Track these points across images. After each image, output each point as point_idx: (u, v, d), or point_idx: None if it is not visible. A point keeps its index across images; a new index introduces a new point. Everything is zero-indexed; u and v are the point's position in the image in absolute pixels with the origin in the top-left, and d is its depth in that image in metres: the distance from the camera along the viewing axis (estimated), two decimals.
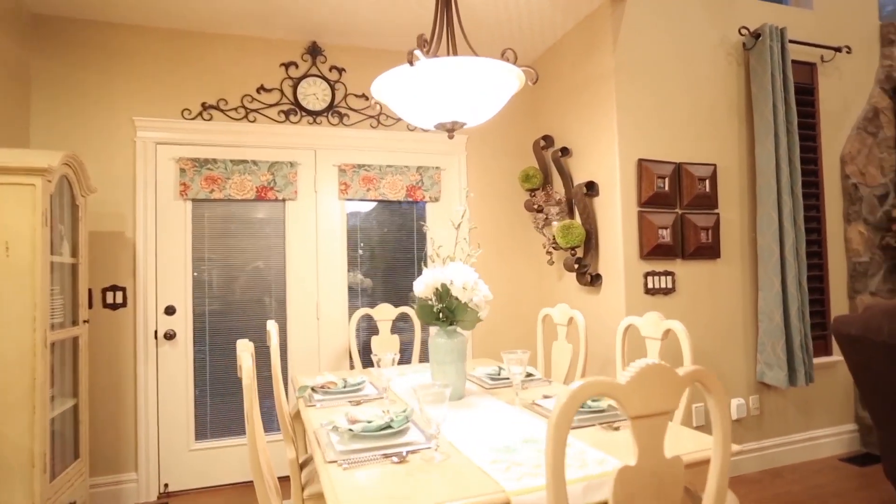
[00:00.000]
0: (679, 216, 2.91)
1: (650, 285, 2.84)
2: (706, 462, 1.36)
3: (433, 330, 3.33)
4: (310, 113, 3.23)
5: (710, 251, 2.96)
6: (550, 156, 3.42)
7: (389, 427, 1.52)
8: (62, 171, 2.30)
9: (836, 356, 3.27)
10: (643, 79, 2.89)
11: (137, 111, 2.95)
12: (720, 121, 3.08)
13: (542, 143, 3.46)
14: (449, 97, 1.83)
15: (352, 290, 3.33)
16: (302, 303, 3.20)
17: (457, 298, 1.95)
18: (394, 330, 3.16)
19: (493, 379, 2.27)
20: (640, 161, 2.85)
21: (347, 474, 1.28)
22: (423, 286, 2.01)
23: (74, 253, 2.52)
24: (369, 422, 1.54)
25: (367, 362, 3.20)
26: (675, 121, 2.96)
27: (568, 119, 3.30)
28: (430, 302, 2.01)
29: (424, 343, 3.42)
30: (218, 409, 3.04)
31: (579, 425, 1.61)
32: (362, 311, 3.13)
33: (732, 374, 3.02)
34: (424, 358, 3.39)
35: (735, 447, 1.39)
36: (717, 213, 3.00)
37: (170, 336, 2.94)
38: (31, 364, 2.05)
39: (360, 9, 2.92)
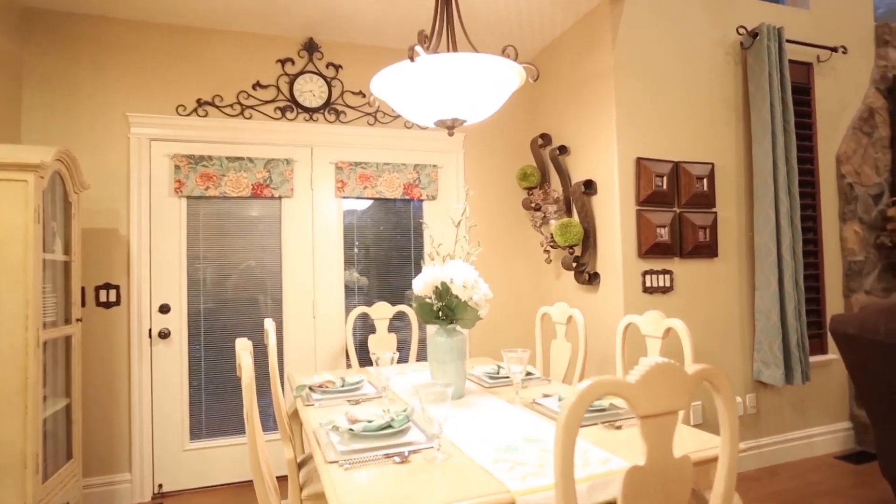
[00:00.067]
0: (677, 215, 2.91)
1: (648, 284, 2.84)
2: (709, 461, 1.36)
3: (432, 328, 3.33)
4: (306, 110, 3.20)
5: (708, 250, 2.96)
6: (548, 154, 3.41)
7: (390, 427, 1.51)
8: (55, 166, 2.26)
9: (832, 355, 3.29)
10: (642, 77, 2.89)
11: (131, 107, 2.91)
12: (718, 120, 3.08)
13: (540, 141, 3.45)
14: (449, 94, 1.81)
15: (348, 289, 3.31)
16: (298, 301, 3.17)
17: (457, 297, 1.93)
18: (390, 328, 3.14)
19: (491, 378, 2.26)
20: (639, 159, 2.85)
21: (349, 475, 1.27)
22: (422, 284, 1.99)
23: (67, 250, 2.48)
24: (370, 421, 1.52)
25: (364, 361, 3.18)
26: (673, 119, 2.96)
27: (566, 117, 3.29)
28: (429, 300, 2.00)
29: (422, 342, 3.40)
30: (213, 409, 3.01)
31: (581, 424, 1.59)
32: (359, 309, 3.11)
33: (729, 372, 3.03)
34: (422, 357, 3.38)
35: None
36: (715, 212, 3.00)
37: (164, 335, 2.91)
38: (23, 363, 2.02)
39: (358, 5, 2.89)
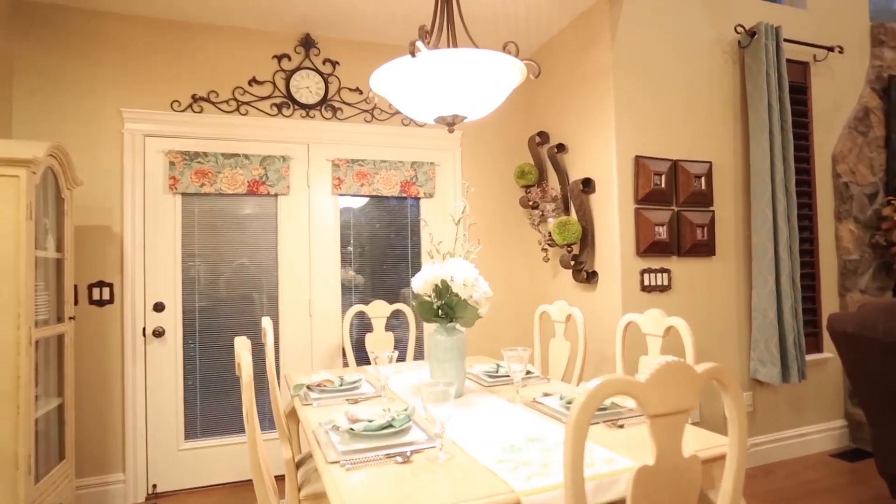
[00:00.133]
0: (675, 213, 2.91)
1: (646, 282, 2.84)
2: (713, 459, 1.35)
3: (432, 327, 3.31)
4: (303, 106, 3.17)
5: (706, 248, 2.96)
6: (546, 152, 3.40)
7: (391, 426, 1.49)
8: (47, 162, 2.22)
9: (827, 353, 3.30)
10: (641, 75, 2.89)
11: (125, 102, 2.86)
12: (716, 118, 3.08)
13: (538, 139, 3.44)
14: (450, 90, 1.80)
15: (344, 287, 3.28)
16: (294, 299, 3.15)
17: (457, 295, 1.92)
18: (387, 327, 3.13)
19: (490, 376, 2.25)
20: (637, 158, 2.84)
21: (351, 475, 1.25)
22: (422, 282, 1.97)
23: (60, 247, 2.44)
24: (370, 421, 1.50)
25: (361, 360, 3.16)
26: (671, 118, 2.95)
27: (564, 115, 3.28)
28: (428, 298, 1.98)
29: (419, 340, 3.39)
30: (208, 408, 2.98)
31: None
32: (356, 307, 3.09)
33: None
34: (419, 355, 3.36)
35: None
36: (713, 211, 3.00)
37: (158, 333, 2.87)
38: (14, 362, 1.98)
39: (356, 1, 2.86)
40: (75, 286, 2.72)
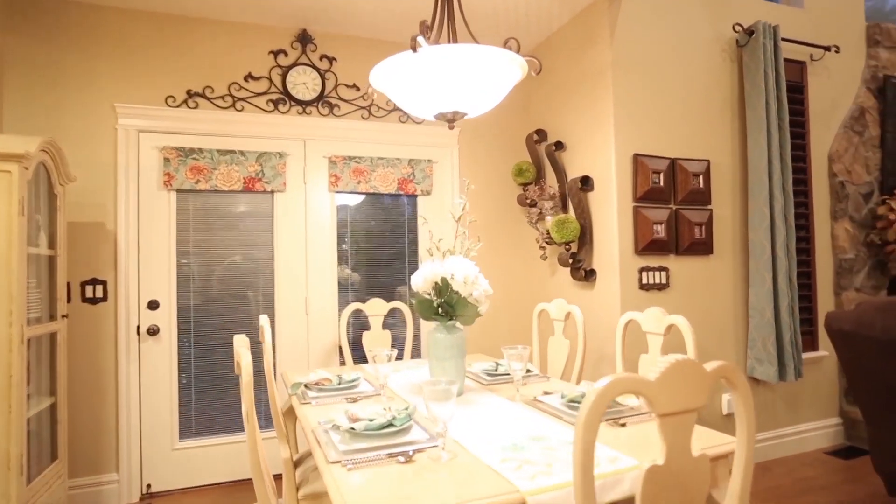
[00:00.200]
0: (673, 212, 2.91)
1: (644, 281, 2.83)
2: (717, 458, 1.35)
3: (430, 325, 3.30)
4: (299, 102, 3.14)
5: (704, 247, 2.96)
6: (544, 150, 3.39)
7: (392, 425, 1.47)
8: (40, 157, 2.18)
9: (823, 351, 3.32)
10: (640, 73, 2.88)
11: (119, 97, 2.82)
12: (713, 117, 3.08)
13: (536, 137, 3.43)
14: (451, 86, 1.78)
15: (340, 285, 3.26)
16: (290, 297, 3.12)
17: (457, 293, 1.90)
18: (384, 325, 3.11)
19: (489, 375, 2.24)
20: (636, 156, 2.84)
21: (353, 475, 1.23)
22: (421, 280, 1.96)
23: (52, 244, 2.40)
24: (371, 420, 1.49)
25: (358, 358, 3.14)
26: (670, 116, 2.95)
27: (562, 113, 3.27)
28: (428, 296, 1.96)
29: (416, 339, 3.37)
30: (203, 407, 2.95)
31: None
32: (353, 305, 3.07)
33: None
34: (416, 354, 3.35)
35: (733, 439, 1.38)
36: (710, 209, 3.00)
37: (153, 331, 2.83)
38: (6, 361, 1.95)
39: None
40: (68, 284, 2.68)
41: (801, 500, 2.62)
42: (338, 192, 3.24)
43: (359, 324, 3.25)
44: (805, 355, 3.21)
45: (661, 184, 2.86)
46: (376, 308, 3.07)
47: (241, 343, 1.36)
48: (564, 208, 3.21)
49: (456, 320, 1.95)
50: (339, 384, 2.05)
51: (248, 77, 3.06)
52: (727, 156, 3.11)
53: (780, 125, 3.03)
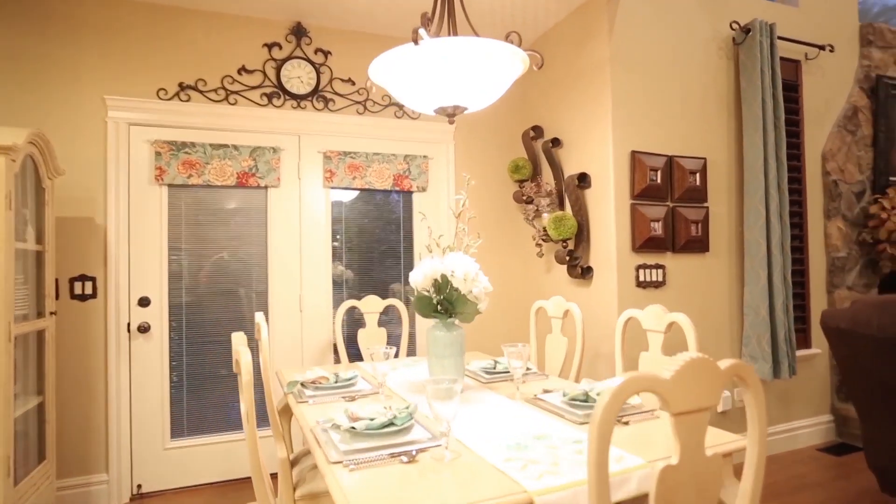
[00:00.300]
0: (670, 209, 2.91)
1: (641, 278, 2.83)
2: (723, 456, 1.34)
3: (427, 322, 3.27)
4: (294, 97, 3.09)
5: (700, 245, 2.96)
6: (540, 146, 3.37)
7: (392, 424, 1.45)
8: (27, 150, 2.12)
9: (816, 349, 3.34)
10: (637, 70, 2.87)
11: (109, 89, 2.76)
12: (710, 114, 3.08)
13: (532, 133, 3.42)
14: (452, 79, 1.75)
15: (335, 282, 3.22)
16: (284, 294, 3.08)
17: (457, 290, 1.88)
18: (379, 323, 3.07)
19: (488, 373, 2.22)
20: (634, 153, 2.83)
21: (355, 476, 1.20)
22: (421, 277, 1.93)
23: (40, 239, 2.34)
24: (371, 419, 1.46)
25: (353, 356, 3.11)
26: (667, 113, 2.95)
27: (559, 109, 3.26)
28: (427, 293, 1.94)
29: (411, 336, 3.34)
30: (195, 406, 2.90)
31: (587, 421, 1.56)
32: (349, 303, 3.03)
33: None
34: (412, 351, 3.32)
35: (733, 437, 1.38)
36: (707, 207, 3.01)
37: (144, 329, 2.78)
38: None
39: None
40: (56, 280, 2.61)
41: (796, 497, 2.63)
42: (333, 187, 3.20)
43: (353, 321, 3.22)
44: (798, 353, 3.23)
45: (659, 181, 2.86)
46: (372, 305, 3.04)
47: (239, 341, 1.32)
48: (561, 205, 3.19)
49: (455, 318, 1.93)
50: (337, 382, 2.02)
51: (242, 70, 3.00)
52: (723, 153, 3.12)
53: (775, 123, 3.04)
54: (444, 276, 1.88)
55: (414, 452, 1.31)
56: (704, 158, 3.01)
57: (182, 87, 2.88)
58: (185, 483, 2.85)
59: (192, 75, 2.91)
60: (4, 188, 1.92)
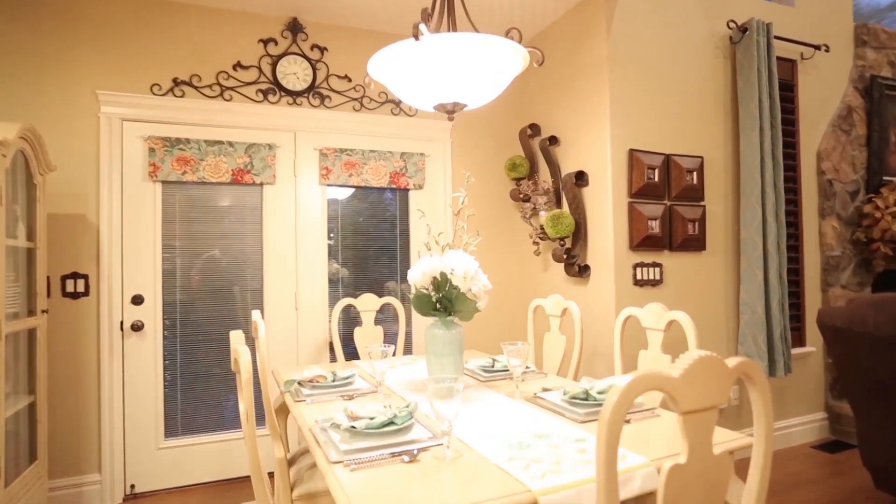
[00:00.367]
0: (668, 208, 2.91)
1: (639, 276, 2.83)
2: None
3: (424, 321, 3.25)
4: (290, 93, 3.06)
5: (697, 243, 2.97)
6: (538, 144, 3.37)
7: (393, 423, 1.43)
8: (18, 145, 2.09)
9: (810, 347, 3.36)
10: (635, 68, 2.87)
11: (102, 84, 2.72)
12: (707, 113, 3.09)
13: (529, 131, 3.41)
14: (452, 76, 1.74)
15: (330, 281, 3.20)
16: (280, 293, 3.05)
17: (456, 288, 1.86)
18: (375, 321, 3.06)
19: (486, 371, 2.20)
20: (632, 151, 2.83)
21: (356, 475, 1.19)
22: (419, 275, 1.91)
23: (31, 236, 2.30)
24: (371, 418, 1.44)
25: (349, 355, 3.09)
26: (664, 111, 2.95)
27: (556, 107, 3.25)
28: (426, 291, 1.92)
29: (408, 335, 3.33)
30: (190, 405, 2.87)
31: (588, 419, 1.56)
32: (345, 301, 3.01)
33: None
34: (408, 350, 3.31)
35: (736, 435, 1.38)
36: (704, 206, 3.01)
37: (137, 327, 2.74)
38: None
39: None
40: (48, 277, 2.57)
41: (792, 494, 2.65)
42: (329, 185, 3.17)
43: (349, 319, 3.20)
44: (792, 351, 3.25)
45: (656, 179, 2.86)
46: (368, 303, 3.02)
47: (238, 339, 1.30)
48: (558, 203, 3.19)
49: (454, 316, 1.91)
50: (334, 381, 2.00)
51: (237, 66, 2.97)
52: (720, 152, 3.12)
53: (772, 123, 3.05)
54: (443, 274, 1.87)
55: (415, 452, 1.30)
56: (701, 157, 3.01)
57: (176, 82, 2.85)
58: (178, 483, 2.81)
59: (186, 71, 2.87)
60: None
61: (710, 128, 3.09)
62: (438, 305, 1.90)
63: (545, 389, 1.89)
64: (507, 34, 1.77)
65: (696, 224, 2.96)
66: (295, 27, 3.08)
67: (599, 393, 1.67)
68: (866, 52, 3.69)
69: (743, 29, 3.05)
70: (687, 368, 0.85)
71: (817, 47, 3.38)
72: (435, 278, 1.89)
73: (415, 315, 3.32)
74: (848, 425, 3.32)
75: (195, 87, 2.88)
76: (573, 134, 3.09)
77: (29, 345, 2.31)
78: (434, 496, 1.08)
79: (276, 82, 3.03)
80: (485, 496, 1.08)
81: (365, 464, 1.24)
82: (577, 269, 2.96)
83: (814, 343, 3.38)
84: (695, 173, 2.97)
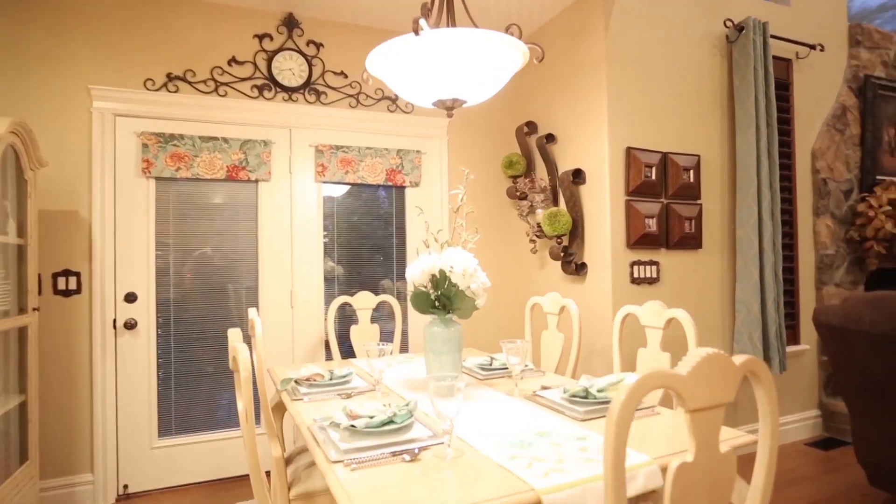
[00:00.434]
0: (664, 206, 2.91)
1: (636, 274, 2.83)
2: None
3: (421, 319, 3.24)
4: (285, 89, 3.03)
5: (693, 241, 2.98)
6: (534, 142, 3.36)
7: (392, 422, 1.42)
8: (9, 139, 2.05)
9: (804, 345, 3.38)
10: (633, 66, 2.86)
11: (94, 79, 2.67)
12: (704, 112, 3.09)
13: (526, 129, 3.40)
14: (451, 72, 1.72)
15: (326, 278, 3.17)
16: (275, 291, 3.02)
17: (455, 285, 1.85)
18: (371, 319, 3.04)
19: (484, 369, 2.19)
20: (629, 149, 2.82)
21: (357, 475, 1.17)
22: (418, 272, 1.90)
23: (22, 233, 2.26)
24: (371, 417, 1.43)
25: (345, 353, 3.06)
26: (662, 110, 2.95)
27: (553, 105, 3.24)
28: (424, 289, 1.91)
29: (404, 333, 3.31)
30: (184, 404, 2.84)
31: (589, 417, 1.55)
32: (341, 299, 2.99)
33: None
34: (405, 348, 3.29)
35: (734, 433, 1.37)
36: (700, 204, 3.02)
37: (130, 325, 2.71)
38: None
39: None
40: (39, 275, 2.53)
41: (787, 491, 2.66)
42: (324, 182, 3.15)
43: (344, 317, 3.18)
44: (788, 349, 3.27)
45: (653, 178, 2.86)
46: (364, 301, 3.00)
47: (236, 338, 1.28)
48: (555, 201, 3.18)
49: (453, 314, 1.90)
50: (332, 379, 1.98)
51: (232, 61, 2.94)
52: (716, 151, 3.13)
53: (768, 122, 3.05)
54: (442, 272, 1.85)
55: (416, 451, 1.28)
56: (698, 156, 3.02)
57: (170, 77, 2.81)
58: (172, 483, 2.79)
59: (180, 66, 2.84)
60: None
61: (706, 126, 3.10)
62: (437, 303, 1.89)
63: (544, 387, 1.88)
64: (507, 30, 1.76)
65: (693, 222, 2.96)
66: (290, 22, 3.05)
67: (599, 391, 1.66)
68: (860, 51, 3.71)
69: (739, 28, 3.05)
70: (695, 366, 0.84)
71: (812, 47, 3.39)
72: (434, 276, 1.88)
73: (411, 313, 3.31)
74: (841, 423, 3.34)
75: (189, 83, 2.84)
76: (570, 132, 3.09)
77: (20, 343, 2.27)
78: (437, 495, 1.07)
79: (271, 78, 3.00)
80: (488, 495, 1.07)
81: (365, 463, 1.22)
82: (574, 267, 2.95)
83: (808, 341, 3.40)
84: (691, 172, 2.97)
